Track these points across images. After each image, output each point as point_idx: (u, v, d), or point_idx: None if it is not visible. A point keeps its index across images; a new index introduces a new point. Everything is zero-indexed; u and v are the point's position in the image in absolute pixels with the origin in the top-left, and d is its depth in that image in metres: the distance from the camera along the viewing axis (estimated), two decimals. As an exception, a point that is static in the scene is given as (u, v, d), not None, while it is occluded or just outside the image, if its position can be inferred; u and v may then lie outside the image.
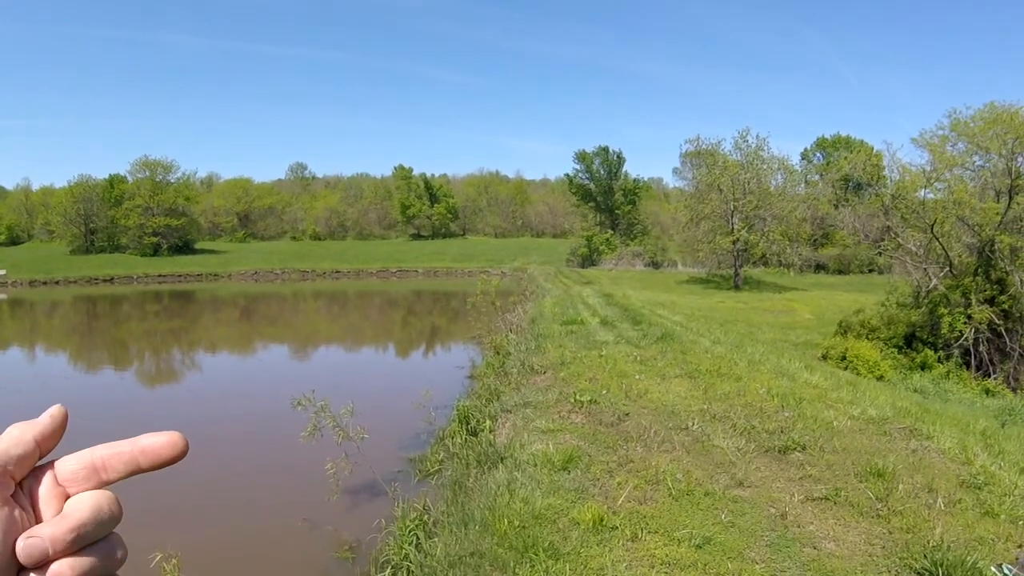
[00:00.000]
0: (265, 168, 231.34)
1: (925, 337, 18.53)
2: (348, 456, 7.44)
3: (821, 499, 5.36)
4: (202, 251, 74.75)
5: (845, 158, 29.99)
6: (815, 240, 55.93)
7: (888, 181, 24.31)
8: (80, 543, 0.51)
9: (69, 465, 0.54)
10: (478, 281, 20.29)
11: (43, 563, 0.49)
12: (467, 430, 9.05)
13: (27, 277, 59.07)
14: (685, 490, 5.46)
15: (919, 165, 21.49)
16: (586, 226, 75.22)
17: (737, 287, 43.54)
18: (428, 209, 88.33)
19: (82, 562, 0.50)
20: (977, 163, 20.59)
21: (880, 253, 25.97)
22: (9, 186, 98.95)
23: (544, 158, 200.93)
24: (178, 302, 45.93)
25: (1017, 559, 4.33)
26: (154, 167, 73.85)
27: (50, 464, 0.55)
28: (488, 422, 8.67)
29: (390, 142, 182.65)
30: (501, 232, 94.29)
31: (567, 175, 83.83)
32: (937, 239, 19.79)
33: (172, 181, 75.00)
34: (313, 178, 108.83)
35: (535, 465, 6.08)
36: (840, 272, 56.85)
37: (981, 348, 17.90)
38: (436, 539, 5.49)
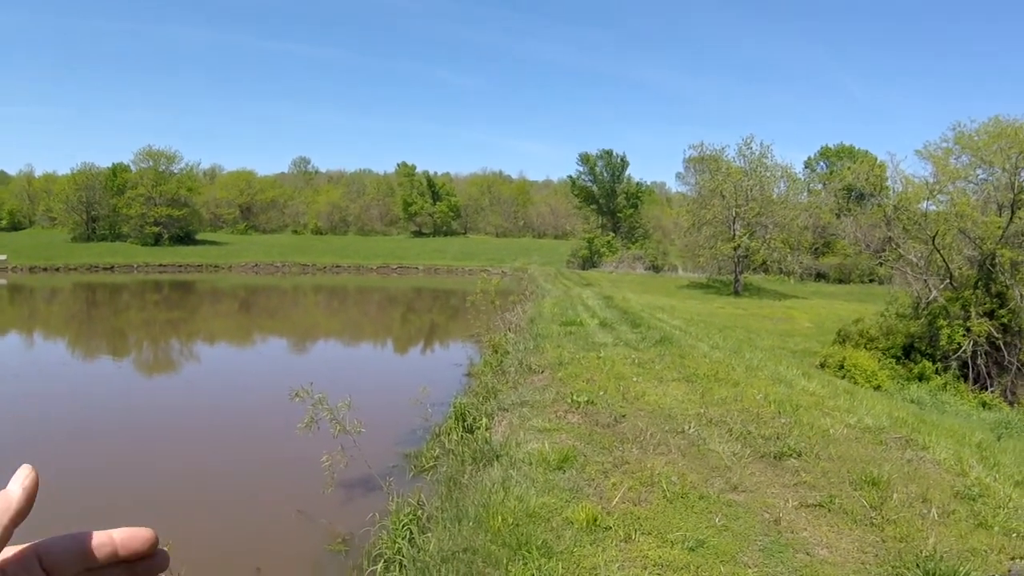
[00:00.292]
0: (268, 162, 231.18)
1: (923, 348, 18.54)
2: (344, 450, 7.45)
3: (815, 506, 5.36)
4: (203, 242, 74.73)
5: (848, 168, 30.01)
6: (816, 249, 55.92)
7: (891, 192, 24.39)
8: None
9: (56, 553, 0.52)
10: (478, 280, 20.34)
11: None
12: (463, 427, 9.05)
13: (28, 263, 59.13)
14: (680, 493, 5.46)
15: (922, 177, 21.60)
16: (588, 228, 75.06)
17: (737, 293, 43.56)
18: (430, 207, 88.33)
19: None
20: (980, 176, 20.67)
21: (881, 263, 25.97)
22: (12, 172, 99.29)
23: (547, 160, 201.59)
24: (178, 292, 45.95)
25: (1010, 571, 4.34)
26: (157, 157, 73.91)
27: (32, 547, 0.52)
28: (484, 420, 8.68)
29: (393, 140, 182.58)
30: (502, 232, 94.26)
31: (570, 176, 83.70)
32: (938, 251, 19.81)
33: (175, 172, 75.08)
34: (316, 173, 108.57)
35: (530, 464, 6.09)
36: (840, 281, 56.83)
37: (979, 361, 17.92)
38: (429, 534, 5.49)
